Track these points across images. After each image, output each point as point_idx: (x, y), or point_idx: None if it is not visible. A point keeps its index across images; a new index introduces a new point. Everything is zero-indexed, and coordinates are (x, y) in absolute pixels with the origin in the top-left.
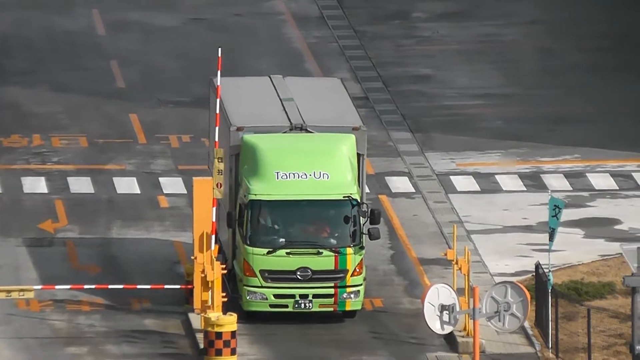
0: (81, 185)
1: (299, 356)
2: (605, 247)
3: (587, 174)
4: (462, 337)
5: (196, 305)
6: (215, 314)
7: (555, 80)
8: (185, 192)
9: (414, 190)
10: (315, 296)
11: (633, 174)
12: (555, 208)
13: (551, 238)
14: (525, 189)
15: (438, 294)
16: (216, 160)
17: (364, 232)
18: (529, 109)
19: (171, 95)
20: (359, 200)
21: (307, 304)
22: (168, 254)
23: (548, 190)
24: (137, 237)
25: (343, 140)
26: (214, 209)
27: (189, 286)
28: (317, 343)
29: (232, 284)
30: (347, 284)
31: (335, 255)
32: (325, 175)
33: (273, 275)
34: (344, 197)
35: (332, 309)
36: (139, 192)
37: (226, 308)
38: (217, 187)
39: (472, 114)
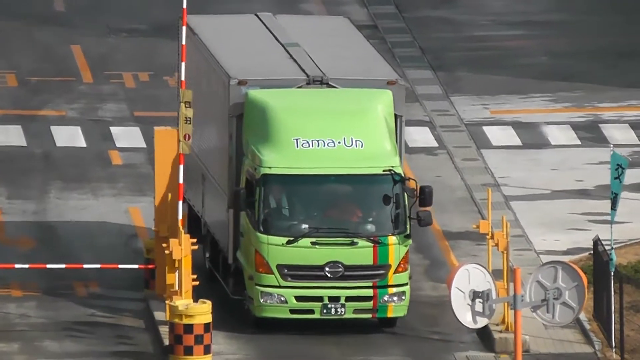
0: (9, 135)
1: (289, 356)
2: None
3: None
4: (500, 332)
5: (159, 290)
6: (183, 302)
7: (616, 4)
8: (143, 145)
9: (436, 145)
10: (348, 299)
11: None
12: (619, 168)
13: (613, 206)
14: (579, 142)
15: (469, 277)
16: (183, 105)
17: (411, 216)
18: (582, 40)
19: (124, 21)
20: (403, 175)
21: (338, 309)
22: (122, 224)
23: (609, 145)
24: (82, 203)
25: (378, 98)
26: (181, 167)
27: (150, 266)
28: (314, 340)
29: (233, 282)
30: (390, 283)
31: (374, 246)
32: (358, 142)
33: (294, 272)
34: (383, 170)
35: (370, 316)
36: (84, 145)
37: (198, 294)
38: (185, 139)
39: (510, 47)
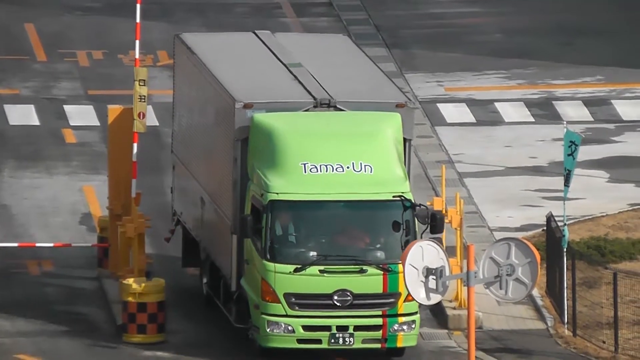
0: None
1: (243, 336)
2: (636, 194)
3: (612, 101)
4: (454, 309)
5: (112, 269)
6: (137, 280)
7: None
8: (97, 123)
9: None
10: (357, 328)
11: None
12: (572, 144)
13: (567, 182)
14: (533, 119)
15: (422, 254)
16: (137, 83)
17: None
18: (537, 17)
19: None
20: (414, 201)
21: (346, 339)
22: (76, 202)
23: (562, 122)
24: (36, 181)
25: (387, 121)
26: (135, 145)
27: (104, 244)
28: None
29: (236, 310)
30: (400, 312)
31: (383, 274)
32: (367, 167)
33: (302, 301)
34: (393, 196)
35: (379, 345)
36: (37, 123)
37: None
38: (139, 117)
39: (465, 24)
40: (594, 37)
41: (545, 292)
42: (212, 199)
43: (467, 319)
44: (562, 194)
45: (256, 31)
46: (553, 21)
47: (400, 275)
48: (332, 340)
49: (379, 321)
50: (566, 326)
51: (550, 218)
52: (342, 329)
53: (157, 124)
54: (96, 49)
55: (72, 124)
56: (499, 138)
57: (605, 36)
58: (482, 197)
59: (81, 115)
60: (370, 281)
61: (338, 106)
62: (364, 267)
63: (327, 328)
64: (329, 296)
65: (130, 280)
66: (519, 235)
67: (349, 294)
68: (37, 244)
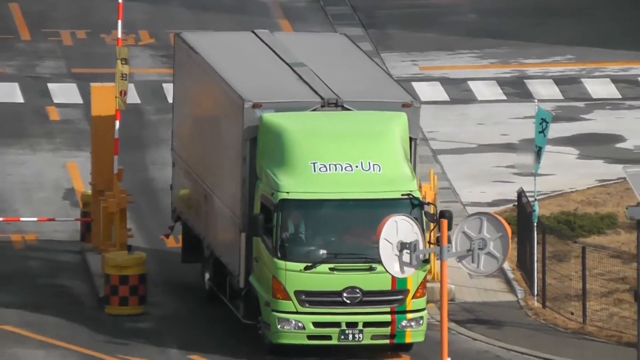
0: None
1: (226, 308)
2: (605, 171)
3: (582, 80)
4: (427, 281)
5: (95, 242)
6: (119, 254)
7: None
8: (80, 101)
9: None
10: (366, 324)
11: (639, 78)
12: (543, 122)
13: (537, 159)
14: (505, 98)
15: (397, 229)
16: (119, 61)
17: (431, 241)
18: None
19: None
20: (422, 199)
21: (356, 335)
22: (59, 178)
23: (534, 100)
24: (20, 158)
25: (394, 121)
26: (117, 123)
27: (86, 219)
28: None
29: (244, 306)
30: (408, 309)
31: None
32: (376, 166)
33: (312, 298)
34: (402, 195)
35: (387, 341)
36: (22, 101)
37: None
38: (121, 95)
39: (440, 4)
40: (565, 17)
41: (516, 266)
42: (219, 197)
43: (440, 291)
44: (532, 170)
45: (255, 30)
46: (525, 2)
47: None
48: (342, 337)
49: (387, 318)
50: (536, 298)
51: (521, 193)
52: (352, 325)
53: (139, 102)
54: (79, 28)
55: (55, 101)
56: (472, 116)
57: (575, 16)
58: (455, 174)
59: (64, 93)
60: (379, 278)
61: (345, 106)
62: (373, 265)
63: (336, 324)
64: (339, 293)
65: (112, 254)
66: (491, 210)
67: (358, 291)
68: (22, 219)
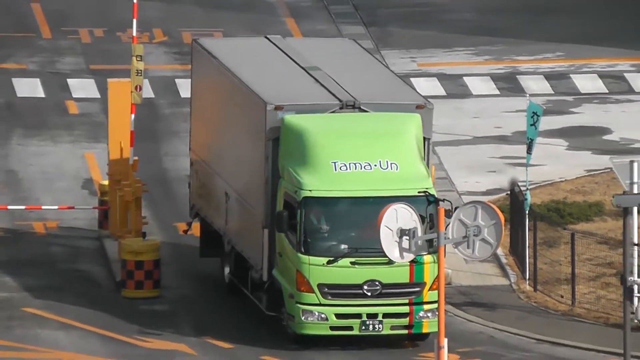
0: None
1: (236, 296)
2: (593, 161)
3: (571, 75)
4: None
5: (112, 229)
6: (134, 240)
7: None
8: (98, 96)
9: None
10: (386, 315)
11: (625, 74)
12: (534, 115)
13: (529, 150)
14: (498, 92)
15: (397, 217)
16: (134, 58)
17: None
18: None
19: None
20: (437, 196)
21: (376, 326)
22: (78, 169)
23: (526, 95)
24: (42, 149)
25: (410, 121)
26: (133, 116)
27: (104, 207)
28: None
29: (267, 298)
30: (424, 300)
31: (410, 265)
32: (393, 165)
33: (334, 291)
34: (419, 192)
35: (406, 332)
36: (43, 95)
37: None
38: (136, 90)
39: (437, 3)
40: (556, 16)
41: (509, 251)
42: (240, 195)
43: (437, 275)
44: (524, 161)
45: (268, 36)
46: (519, 1)
47: (426, 265)
48: (363, 327)
49: (406, 309)
50: (528, 282)
51: (514, 183)
52: (372, 316)
53: (153, 96)
54: (97, 27)
55: (74, 96)
56: (468, 110)
57: (565, 15)
58: (451, 164)
59: (83, 88)
60: (398, 272)
61: (362, 107)
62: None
63: (357, 316)
64: (360, 286)
65: (128, 240)
66: (486, 199)
67: (378, 283)
68: (43, 207)
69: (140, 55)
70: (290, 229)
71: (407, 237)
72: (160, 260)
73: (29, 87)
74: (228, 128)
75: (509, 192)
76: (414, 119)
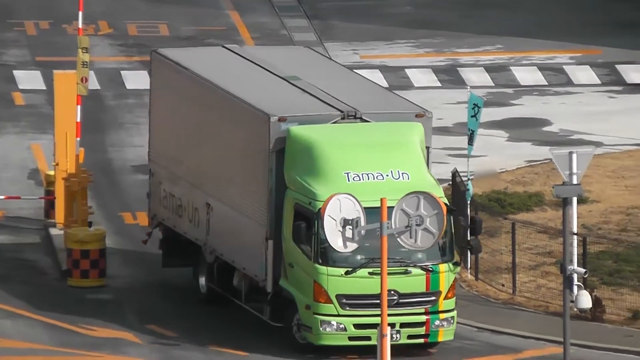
0: None
1: (182, 280)
2: (532, 152)
3: (511, 67)
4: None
5: (58, 219)
6: (80, 229)
7: None
8: (44, 87)
9: None
10: (403, 325)
11: (564, 67)
12: (475, 107)
13: (470, 141)
14: (440, 84)
15: (340, 206)
16: (80, 50)
17: (463, 244)
18: None
19: None
20: (450, 205)
21: (394, 335)
22: (24, 159)
23: (466, 87)
24: None
25: (414, 130)
26: (79, 107)
27: (50, 197)
28: None
29: (270, 309)
30: (440, 309)
31: (426, 274)
32: (405, 175)
33: (352, 301)
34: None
35: (422, 340)
36: None
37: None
38: (82, 82)
39: None
40: (495, 9)
41: None
42: (232, 206)
43: (380, 264)
44: (466, 152)
45: (226, 45)
46: None
47: (441, 275)
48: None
49: (422, 318)
50: (469, 271)
51: (455, 173)
52: (390, 326)
53: (99, 88)
54: (43, 19)
55: (20, 87)
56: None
57: (505, 8)
58: None
59: (29, 79)
60: (414, 281)
61: (364, 118)
62: (408, 269)
63: (375, 326)
64: (377, 296)
65: (74, 230)
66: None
67: (395, 293)
68: None
69: (86, 48)
70: (306, 239)
71: (350, 227)
72: (106, 249)
73: None
74: (211, 141)
75: (451, 183)
76: (418, 128)
